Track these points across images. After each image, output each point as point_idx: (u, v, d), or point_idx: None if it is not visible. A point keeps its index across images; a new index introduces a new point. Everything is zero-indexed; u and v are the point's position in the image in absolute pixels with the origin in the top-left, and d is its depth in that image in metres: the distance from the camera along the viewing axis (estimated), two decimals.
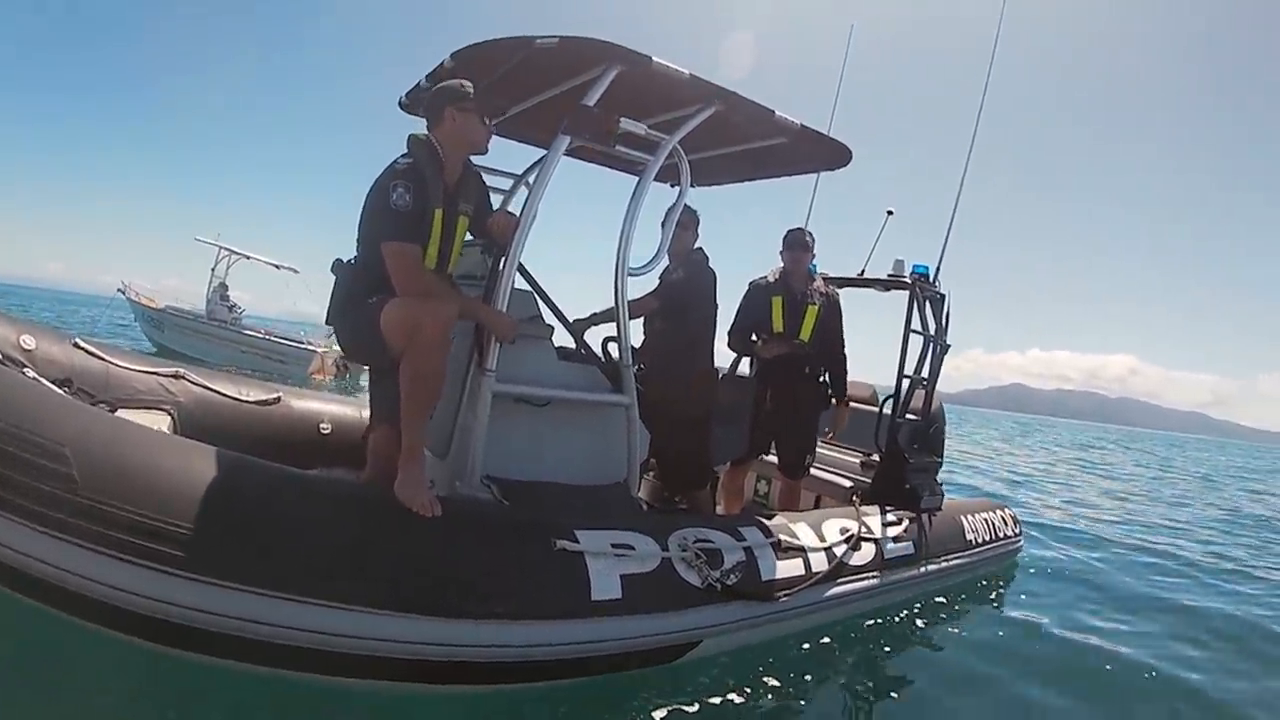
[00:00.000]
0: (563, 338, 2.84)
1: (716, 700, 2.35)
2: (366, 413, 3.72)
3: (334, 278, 2.41)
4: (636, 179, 2.78)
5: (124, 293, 15.62)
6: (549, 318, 2.72)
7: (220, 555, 1.78)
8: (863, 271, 4.30)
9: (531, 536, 2.17)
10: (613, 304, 2.70)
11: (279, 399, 3.48)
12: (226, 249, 16.02)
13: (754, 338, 3.62)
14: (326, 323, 2.47)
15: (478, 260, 2.75)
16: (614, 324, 2.77)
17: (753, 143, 3.22)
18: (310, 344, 14.80)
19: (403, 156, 2.27)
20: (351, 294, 2.32)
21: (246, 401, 3.37)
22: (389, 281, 2.20)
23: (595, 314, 2.97)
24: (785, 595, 2.66)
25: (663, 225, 2.98)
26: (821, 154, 3.29)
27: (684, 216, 3.12)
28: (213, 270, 16.06)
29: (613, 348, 2.93)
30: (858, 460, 4.19)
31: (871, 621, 3.20)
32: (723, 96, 2.74)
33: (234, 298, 16.19)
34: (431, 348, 2.09)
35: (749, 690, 2.46)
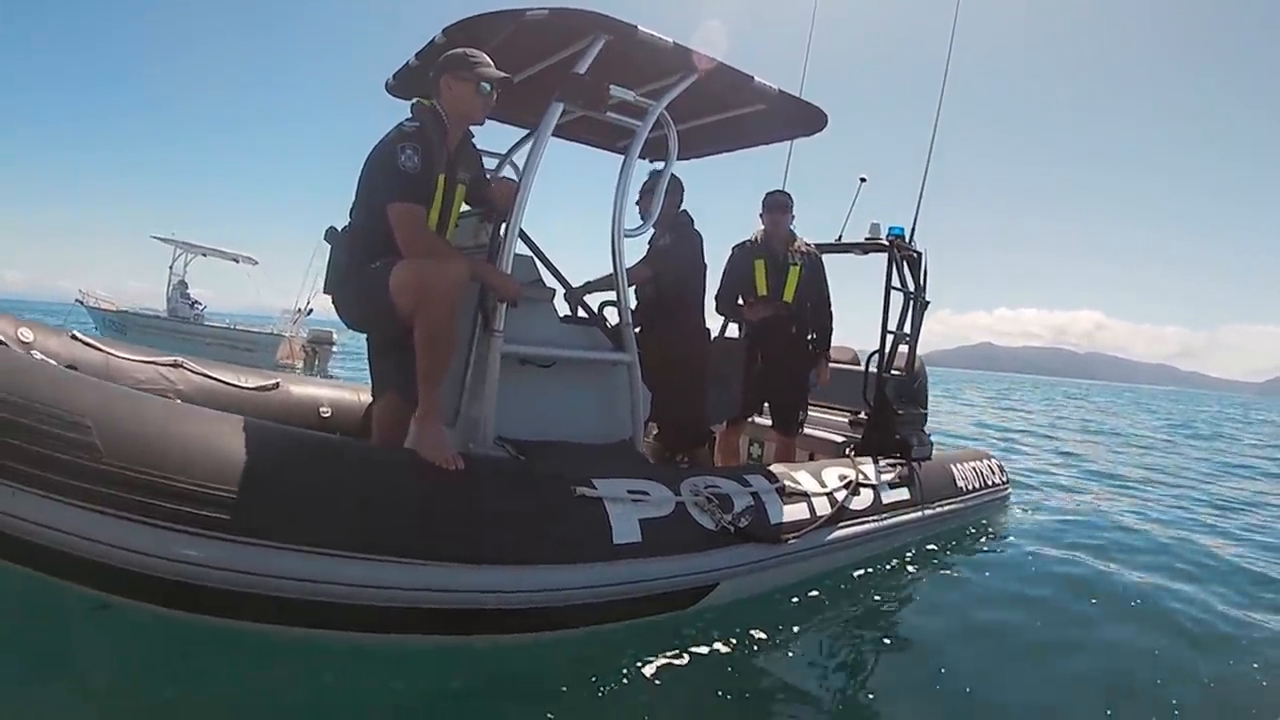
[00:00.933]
0: (562, 307, 2.92)
1: (730, 649, 2.39)
2: (365, 396, 3.77)
3: (328, 246, 2.41)
4: (622, 155, 2.87)
5: (82, 301, 15.28)
6: (549, 282, 2.79)
7: (250, 514, 1.79)
8: (840, 237, 4.44)
9: (552, 485, 2.24)
10: (610, 269, 2.79)
11: (278, 384, 3.49)
12: (183, 244, 15.76)
13: (740, 301, 3.73)
14: (325, 291, 2.47)
15: (470, 230, 2.80)
16: (610, 289, 2.85)
17: (732, 110, 3.32)
18: (276, 330, 14.67)
19: (409, 120, 2.28)
20: (352, 260, 2.32)
21: (245, 388, 3.38)
22: (392, 244, 2.20)
23: (590, 281, 3.05)
24: (793, 538, 2.77)
25: (650, 191, 3.06)
26: (798, 119, 3.40)
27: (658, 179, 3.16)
28: (170, 268, 15.80)
29: (610, 312, 3.01)
30: (846, 419, 4.34)
31: (873, 568, 3.31)
32: (704, 61, 2.82)
33: (196, 295, 15.95)
34: (444, 305, 2.14)
35: (763, 636, 2.52)
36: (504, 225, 2.54)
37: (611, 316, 2.96)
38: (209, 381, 3.30)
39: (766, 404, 3.84)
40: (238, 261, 16.25)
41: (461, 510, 2.02)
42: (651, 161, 3.97)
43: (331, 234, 2.40)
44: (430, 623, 1.97)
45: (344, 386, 3.84)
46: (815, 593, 2.96)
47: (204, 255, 15.95)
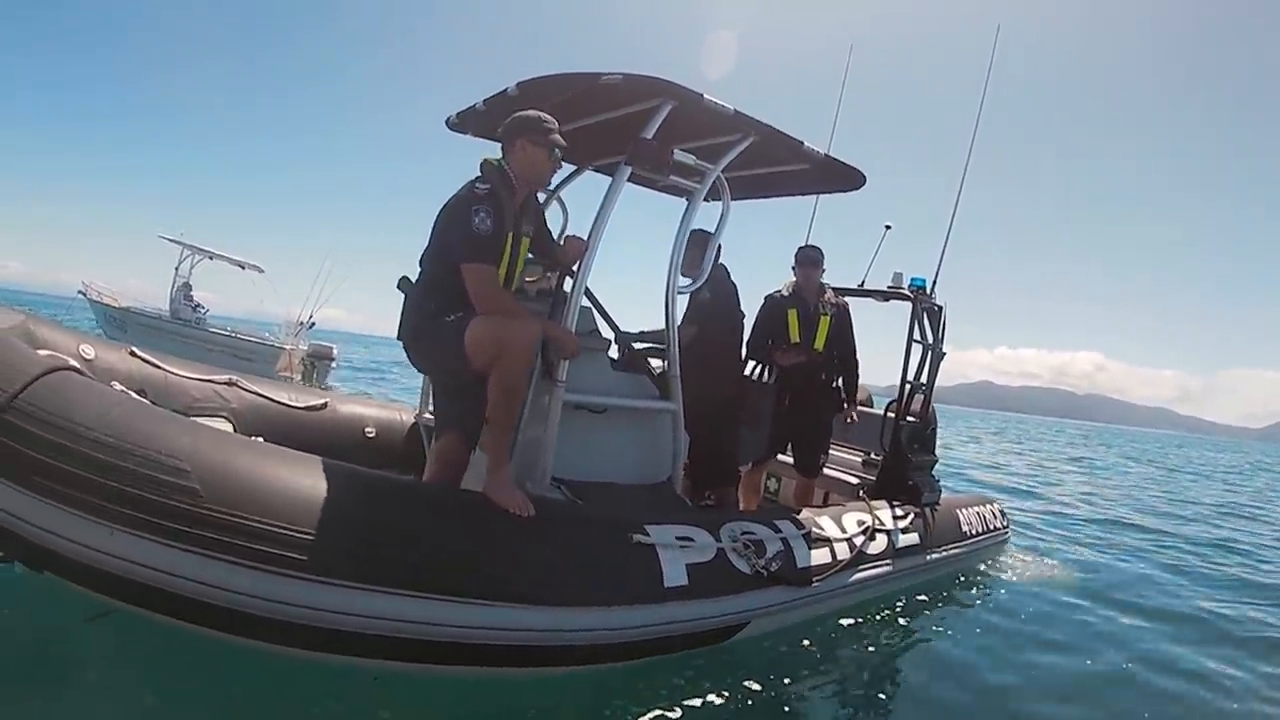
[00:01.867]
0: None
1: (760, 680, 2.59)
2: (407, 416, 3.92)
3: (402, 295, 2.55)
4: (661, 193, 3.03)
5: (85, 294, 15.19)
6: (603, 332, 2.96)
7: (340, 557, 1.91)
8: (863, 282, 4.63)
9: (612, 532, 2.41)
10: (662, 321, 2.95)
11: (326, 404, 3.63)
12: (190, 246, 15.70)
13: (769, 344, 3.92)
14: (398, 339, 2.60)
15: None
16: (659, 342, 3.02)
17: (777, 167, 3.50)
18: (277, 342, 14.63)
19: (479, 182, 2.40)
20: (423, 311, 2.45)
21: (296, 407, 3.51)
22: (462, 299, 2.34)
23: (644, 331, 3.21)
24: (818, 580, 2.95)
25: (698, 246, 3.21)
26: (839, 178, 3.59)
27: (700, 235, 3.24)
28: (176, 269, 15.73)
29: (653, 360, 3.16)
30: (859, 459, 4.53)
31: (886, 607, 3.53)
32: (760, 129, 3.01)
33: (199, 298, 15.87)
34: (520, 362, 2.29)
35: (788, 667, 2.74)
36: (569, 280, 2.71)
37: (652, 361, 3.13)
38: (262, 400, 3.43)
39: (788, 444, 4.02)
40: (244, 268, 16.20)
41: (533, 554, 2.19)
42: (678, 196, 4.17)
43: (405, 284, 2.55)
44: (501, 658, 2.13)
45: (388, 406, 3.99)
46: (830, 630, 3.18)
47: (211, 259, 15.91)
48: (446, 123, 3.49)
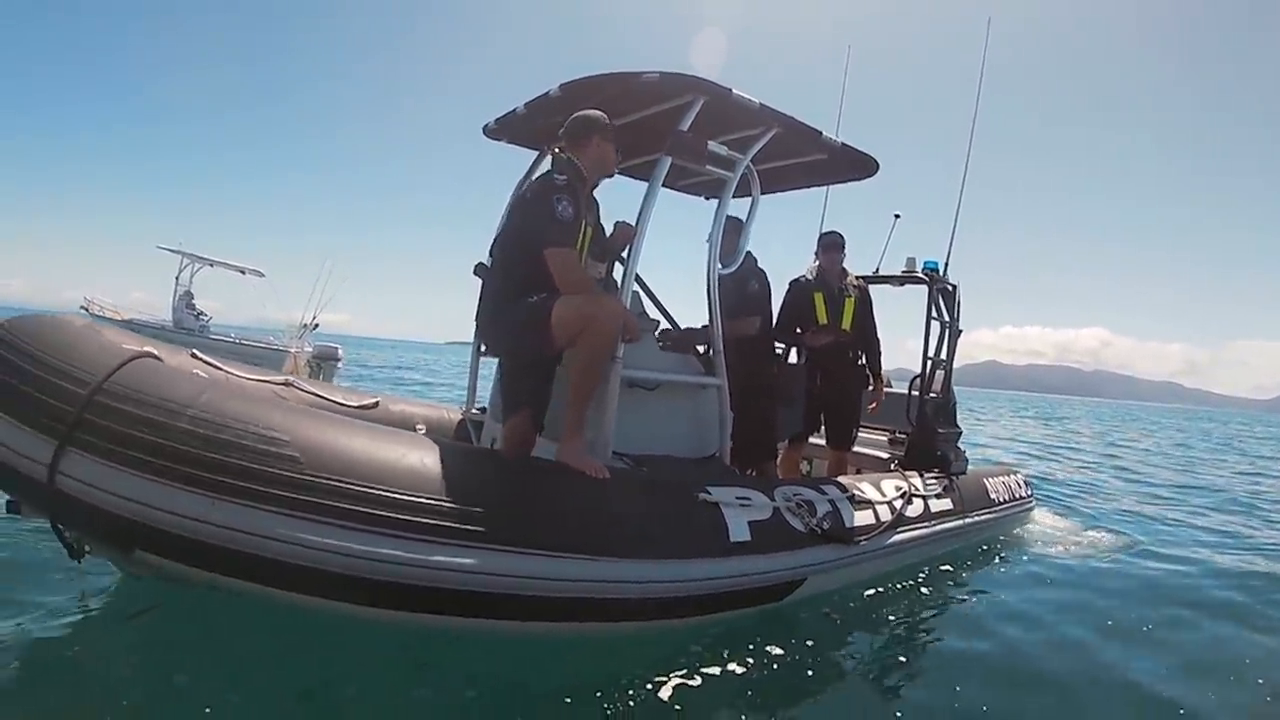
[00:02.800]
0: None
1: (814, 639, 2.72)
2: (453, 415, 4.07)
3: (480, 280, 2.74)
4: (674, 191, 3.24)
5: (87, 309, 15.35)
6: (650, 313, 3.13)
7: (434, 516, 2.02)
8: (877, 269, 4.84)
9: (677, 491, 2.57)
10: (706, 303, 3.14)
11: (377, 403, 3.77)
12: (190, 255, 15.88)
13: (798, 329, 4.10)
14: (476, 321, 2.76)
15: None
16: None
17: (797, 158, 3.71)
18: (281, 346, 14.74)
19: (558, 174, 2.61)
20: (504, 293, 2.61)
21: (350, 406, 3.65)
22: (542, 281, 2.50)
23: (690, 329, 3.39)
24: (864, 539, 3.11)
25: (732, 234, 3.41)
26: (854, 166, 3.80)
27: (735, 222, 3.52)
28: (177, 278, 15.89)
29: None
30: (885, 438, 4.71)
31: (924, 570, 3.67)
32: (782, 120, 3.21)
33: (202, 307, 16.01)
34: (607, 335, 2.47)
35: (839, 626, 2.90)
36: (617, 264, 2.90)
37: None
38: (317, 399, 3.58)
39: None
40: (244, 273, 16.41)
41: (613, 512, 2.34)
42: (707, 199, 4.39)
43: (482, 269, 2.73)
44: (596, 611, 2.26)
45: (435, 406, 4.13)
46: (880, 590, 3.33)
47: (210, 266, 16.10)
48: (484, 130, 3.69)
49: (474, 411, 3.97)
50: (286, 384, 3.58)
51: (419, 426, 3.87)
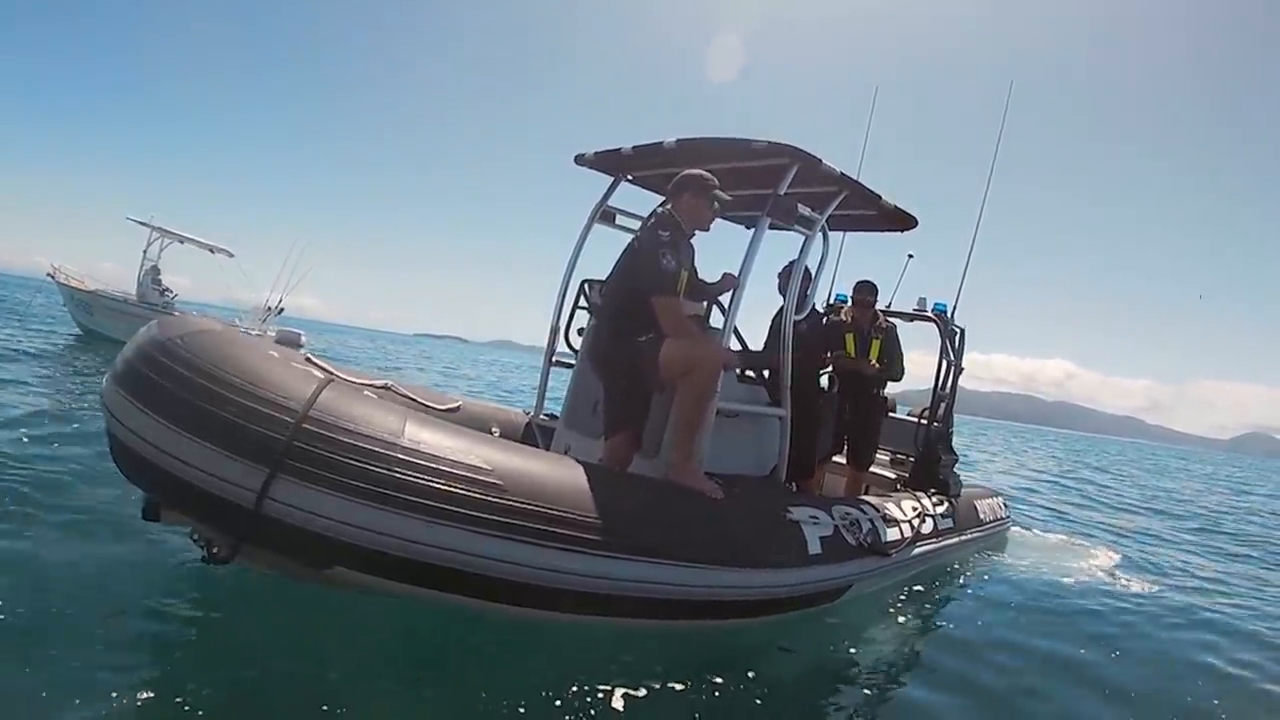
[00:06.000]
0: None
1: (858, 633, 3.32)
2: (519, 418, 4.43)
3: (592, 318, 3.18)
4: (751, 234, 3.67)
5: (53, 277, 14.74)
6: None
7: (604, 534, 2.35)
8: (889, 304, 5.41)
9: (770, 509, 3.05)
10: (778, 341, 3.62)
11: (459, 407, 4.10)
12: (159, 229, 15.39)
13: (829, 354, 4.63)
14: (590, 354, 3.18)
15: None
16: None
17: (852, 210, 4.20)
18: (243, 328, 14.51)
19: (662, 229, 3.00)
20: (616, 332, 3.05)
21: (437, 409, 3.98)
22: (648, 323, 2.92)
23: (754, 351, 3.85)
24: (894, 552, 3.67)
25: (803, 278, 3.87)
26: (897, 220, 4.32)
27: (805, 275, 3.95)
28: (144, 252, 15.39)
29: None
30: (887, 458, 5.32)
31: (931, 579, 4.30)
32: (852, 185, 3.69)
33: (170, 283, 15.55)
34: (711, 375, 2.91)
35: (879, 622, 3.49)
36: (714, 306, 3.35)
37: None
38: (411, 403, 3.88)
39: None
40: (213, 252, 15.98)
41: (729, 529, 2.79)
42: (747, 228, 4.85)
43: (593, 299, 3.14)
44: (701, 611, 2.72)
45: (505, 410, 4.48)
46: (909, 591, 3.94)
47: (181, 242, 15.62)
48: (579, 158, 4.03)
49: (542, 418, 4.34)
50: (385, 387, 3.87)
51: (494, 429, 4.23)
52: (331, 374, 2.60)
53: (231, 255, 16.22)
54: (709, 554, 2.65)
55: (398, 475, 2.12)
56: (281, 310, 15.49)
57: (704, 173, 3.15)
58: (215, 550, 2.40)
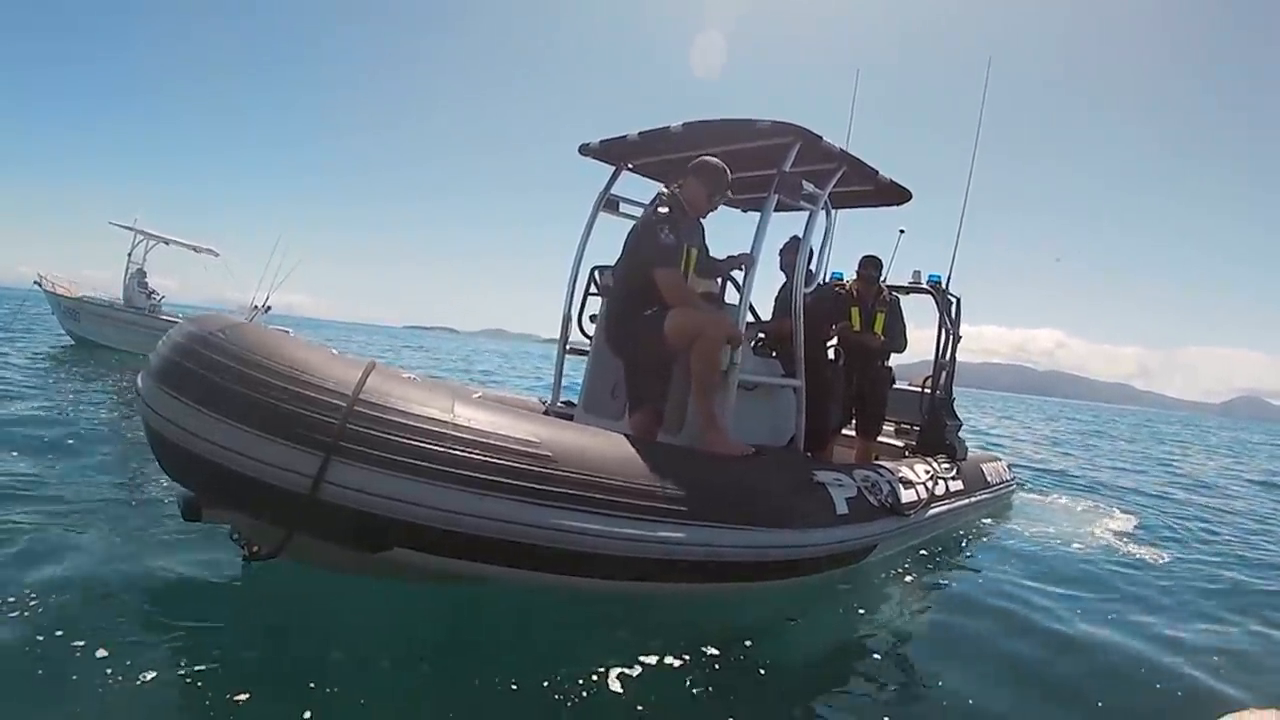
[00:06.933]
0: None
1: (879, 591, 3.42)
2: (537, 406, 4.50)
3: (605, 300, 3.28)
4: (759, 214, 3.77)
5: (40, 284, 14.56)
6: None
7: (651, 499, 2.44)
8: (885, 279, 5.55)
9: (798, 473, 3.16)
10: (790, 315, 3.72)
11: (480, 396, 4.17)
12: (143, 232, 15.24)
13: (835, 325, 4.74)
14: (607, 336, 3.28)
15: None
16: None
17: (849, 186, 4.32)
18: None
19: (661, 206, 3.14)
20: (625, 309, 3.19)
21: None
22: (654, 298, 3.03)
23: (765, 322, 3.96)
24: (912, 513, 3.79)
25: (810, 253, 3.98)
26: (891, 195, 4.45)
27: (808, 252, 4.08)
28: (129, 255, 15.24)
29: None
30: (893, 427, 5.46)
31: (946, 540, 4.43)
32: (850, 161, 3.81)
33: (155, 285, 15.39)
34: (718, 343, 3.02)
35: (896, 581, 3.60)
36: (728, 283, 3.45)
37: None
38: None
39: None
40: (198, 252, 15.84)
41: (768, 490, 2.90)
42: (744, 210, 4.97)
43: (604, 284, 3.24)
44: (748, 572, 2.80)
45: (524, 398, 4.55)
46: (923, 553, 4.07)
47: (165, 244, 15.47)
48: (584, 147, 4.11)
49: (559, 405, 4.42)
50: None
51: None
52: (372, 360, 2.66)
53: (216, 255, 16.07)
54: (757, 517, 2.75)
55: (453, 451, 2.17)
56: (269, 309, 15.33)
57: (723, 166, 3.27)
58: (256, 549, 2.46)
